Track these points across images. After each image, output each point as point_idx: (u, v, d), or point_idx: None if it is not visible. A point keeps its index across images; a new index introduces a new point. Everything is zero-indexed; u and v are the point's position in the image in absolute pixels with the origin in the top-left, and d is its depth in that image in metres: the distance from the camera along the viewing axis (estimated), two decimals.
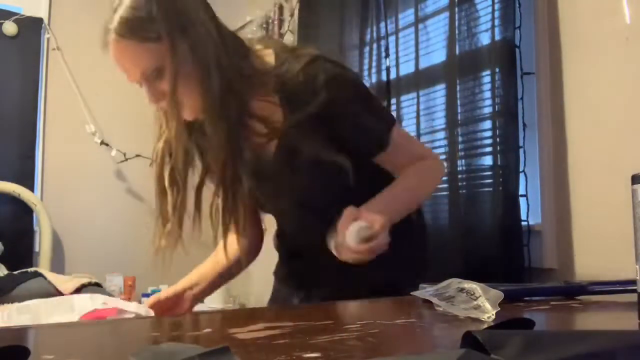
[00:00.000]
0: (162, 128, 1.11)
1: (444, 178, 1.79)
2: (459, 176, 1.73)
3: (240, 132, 1.04)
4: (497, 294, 0.68)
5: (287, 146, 1.07)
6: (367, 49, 2.15)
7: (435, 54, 1.92)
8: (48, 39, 2.92)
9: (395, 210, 1.05)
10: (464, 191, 1.72)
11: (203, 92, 1.00)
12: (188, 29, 0.99)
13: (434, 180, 1.18)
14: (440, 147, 1.84)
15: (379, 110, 1.15)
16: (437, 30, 1.92)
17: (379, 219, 0.94)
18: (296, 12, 2.70)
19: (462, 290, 0.73)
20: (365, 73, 2.16)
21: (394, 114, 2.00)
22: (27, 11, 2.88)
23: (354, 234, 0.90)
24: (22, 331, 0.68)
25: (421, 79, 1.95)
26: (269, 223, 1.28)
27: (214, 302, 2.63)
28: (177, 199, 1.10)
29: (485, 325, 0.61)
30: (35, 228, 2.79)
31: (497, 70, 1.62)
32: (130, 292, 2.88)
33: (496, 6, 1.64)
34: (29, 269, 2.27)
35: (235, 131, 1.03)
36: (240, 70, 1.03)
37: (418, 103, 1.92)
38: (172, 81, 0.99)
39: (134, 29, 0.97)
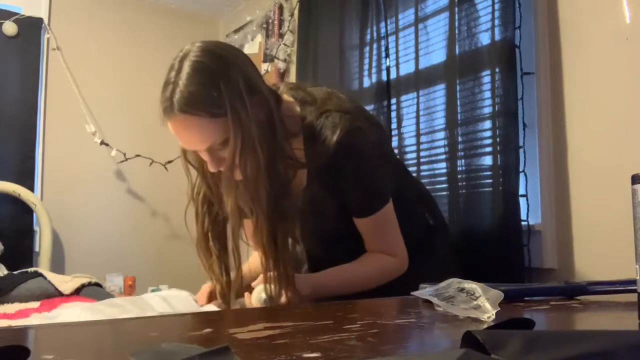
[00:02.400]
0: (197, 184, 1.15)
1: (444, 178, 1.80)
2: (459, 176, 1.73)
3: (285, 179, 1.08)
4: (497, 294, 0.68)
5: (311, 187, 1.13)
6: (367, 49, 2.15)
7: (435, 54, 1.92)
8: (48, 39, 2.91)
9: (322, 294, 1.13)
10: (464, 191, 1.72)
11: (258, 155, 1.01)
12: (249, 99, 1.00)
13: (381, 279, 1.17)
14: (440, 147, 1.84)
15: (379, 184, 1.15)
16: (437, 30, 1.92)
17: (283, 298, 1.05)
18: (296, 12, 2.71)
19: (462, 290, 0.73)
20: (366, 73, 2.16)
21: (394, 114, 2.01)
22: (27, 11, 2.87)
23: (256, 299, 1.11)
24: (22, 331, 0.68)
25: (421, 79, 1.94)
26: None
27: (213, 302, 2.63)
28: (222, 256, 1.15)
29: (485, 325, 0.61)
30: (35, 228, 2.78)
31: (497, 70, 1.62)
32: (130, 292, 2.87)
33: (496, 6, 1.64)
34: (29, 269, 2.26)
35: (282, 184, 1.07)
36: (282, 121, 1.07)
37: (418, 103, 1.92)
38: (234, 152, 1.00)
39: (202, 104, 0.97)
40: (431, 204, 1.38)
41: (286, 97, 1.15)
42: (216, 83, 0.97)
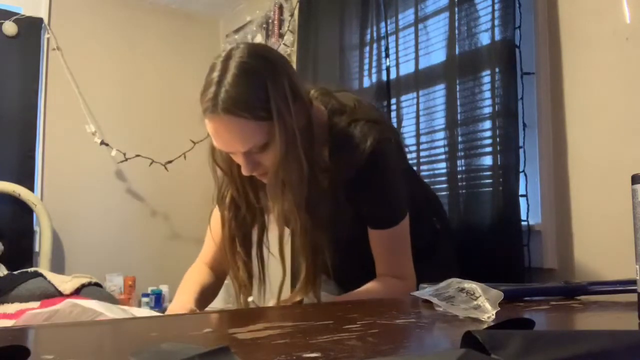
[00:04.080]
0: (223, 186, 1.13)
1: (444, 178, 1.80)
2: (459, 176, 1.73)
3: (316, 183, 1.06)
4: (497, 294, 0.68)
5: (333, 195, 1.11)
6: (367, 49, 2.15)
7: (435, 54, 1.92)
8: (48, 39, 2.92)
9: None
10: (464, 191, 1.72)
11: (301, 161, 1.00)
12: (293, 104, 0.98)
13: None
14: (440, 147, 1.84)
15: (400, 197, 1.15)
16: (437, 30, 1.92)
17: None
18: (296, 12, 2.71)
19: (462, 290, 0.73)
20: (366, 73, 2.16)
21: (394, 114, 2.01)
22: (27, 11, 2.87)
23: None
24: (22, 331, 0.68)
25: (421, 79, 1.94)
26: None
27: (214, 302, 2.63)
28: (247, 262, 1.13)
29: (485, 325, 0.61)
30: (35, 228, 2.78)
31: (497, 70, 1.62)
32: (130, 292, 2.88)
33: (496, 6, 1.64)
34: (29, 269, 2.26)
35: (320, 192, 1.05)
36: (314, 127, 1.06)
37: (418, 103, 1.92)
38: (279, 157, 0.98)
39: (248, 106, 0.95)
40: (438, 207, 1.38)
41: (316, 103, 1.13)
42: (264, 85, 0.95)
